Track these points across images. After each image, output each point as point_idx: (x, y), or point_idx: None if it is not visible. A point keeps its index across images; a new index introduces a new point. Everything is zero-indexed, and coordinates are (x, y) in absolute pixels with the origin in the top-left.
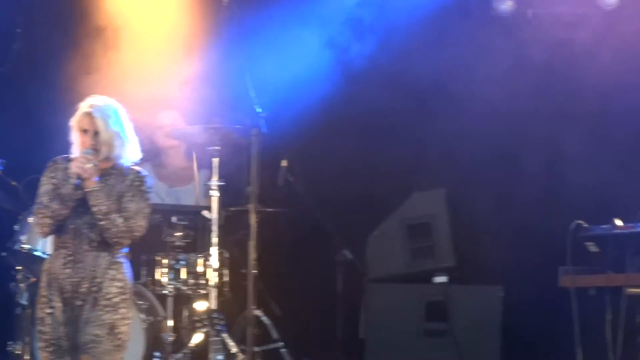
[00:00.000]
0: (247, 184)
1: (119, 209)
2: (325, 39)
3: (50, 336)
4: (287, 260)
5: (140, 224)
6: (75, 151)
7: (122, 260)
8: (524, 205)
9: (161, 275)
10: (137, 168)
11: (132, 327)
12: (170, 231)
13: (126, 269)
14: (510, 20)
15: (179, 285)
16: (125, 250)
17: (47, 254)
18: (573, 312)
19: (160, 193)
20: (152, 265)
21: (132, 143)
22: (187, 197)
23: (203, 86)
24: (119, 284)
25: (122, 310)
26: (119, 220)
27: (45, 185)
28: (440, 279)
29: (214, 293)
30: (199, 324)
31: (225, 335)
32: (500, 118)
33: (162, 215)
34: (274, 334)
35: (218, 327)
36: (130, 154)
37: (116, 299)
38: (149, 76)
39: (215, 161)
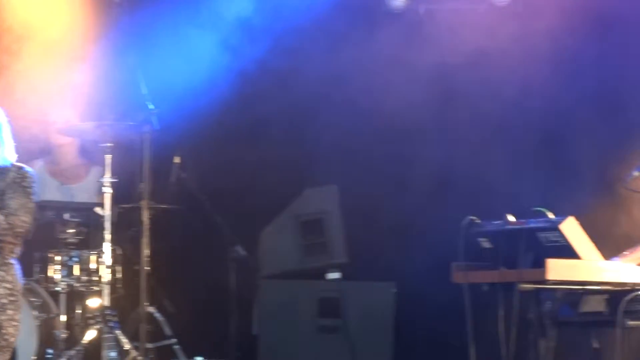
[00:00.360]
0: (139, 180)
1: (1, 207)
2: (218, 39)
3: None
4: (180, 256)
5: (23, 220)
6: None
7: (12, 261)
8: (416, 202)
9: (54, 272)
10: (19, 165)
11: (19, 329)
12: (63, 228)
13: (16, 271)
14: (403, 17)
15: (71, 282)
16: (17, 251)
17: None
18: (466, 308)
19: (52, 190)
20: (45, 262)
21: (8, 144)
22: (80, 194)
23: (95, 83)
24: (8, 285)
25: (10, 312)
26: (0, 218)
27: None
28: (333, 275)
29: (106, 290)
30: (92, 321)
31: (118, 332)
32: (393, 115)
33: (55, 212)
34: (167, 331)
35: (111, 324)
36: (7, 155)
37: (4, 300)
38: (42, 74)
39: (108, 158)
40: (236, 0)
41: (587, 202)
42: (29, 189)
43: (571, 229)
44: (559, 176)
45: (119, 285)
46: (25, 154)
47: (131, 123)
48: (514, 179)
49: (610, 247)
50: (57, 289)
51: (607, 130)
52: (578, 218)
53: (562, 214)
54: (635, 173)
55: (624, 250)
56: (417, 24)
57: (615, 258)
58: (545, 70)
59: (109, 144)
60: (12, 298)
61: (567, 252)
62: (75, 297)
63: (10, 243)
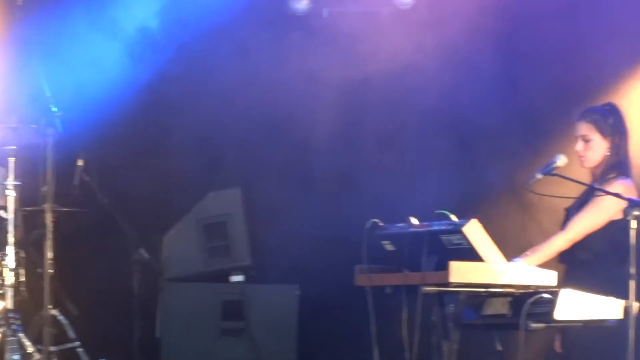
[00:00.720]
0: (43, 183)
1: None
2: (122, 46)
3: None
4: (83, 259)
5: None
6: None
7: None
8: (320, 205)
9: None
10: None
11: None
12: None
13: None
14: (307, 20)
15: None
16: None
17: None
18: (369, 310)
19: None
20: None
21: None
22: None
23: None
24: None
25: None
26: None
27: None
28: (237, 278)
29: (10, 293)
30: None
31: (21, 335)
32: (297, 119)
33: None
34: (71, 334)
35: (14, 327)
36: None
37: None
38: None
39: (11, 161)
40: (139, 8)
41: (490, 205)
42: None
43: (474, 232)
44: (462, 179)
45: (22, 288)
46: None
47: (34, 126)
48: (418, 182)
49: (513, 249)
50: None
51: (512, 134)
52: (481, 220)
53: (465, 217)
54: (538, 176)
55: (526, 251)
56: (321, 27)
57: (517, 259)
58: (449, 74)
59: (11, 147)
60: None
61: (470, 254)
62: None
63: None
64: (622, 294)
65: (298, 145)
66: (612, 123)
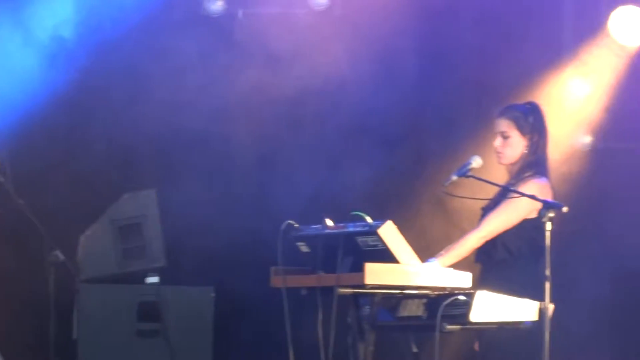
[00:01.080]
0: None
1: None
2: (37, 50)
3: None
4: None
5: None
6: None
7: None
8: (236, 206)
9: None
10: None
11: None
12: None
13: None
14: (222, 21)
15: None
16: None
17: None
18: (285, 312)
19: None
20: None
21: None
22: None
23: None
24: None
25: None
26: None
27: None
28: (152, 279)
29: None
30: None
31: None
32: (212, 118)
33: None
34: None
35: None
36: None
37: None
38: None
39: None
40: (53, 15)
41: (406, 206)
42: None
43: (389, 233)
44: (378, 180)
45: None
46: None
47: None
48: (333, 183)
49: (428, 250)
50: None
51: (426, 134)
52: (397, 222)
53: (380, 218)
54: (453, 177)
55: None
56: (236, 28)
57: (431, 259)
58: (367, 74)
59: None
60: None
61: (386, 256)
62: None
63: None
64: (538, 295)
65: (214, 147)
66: (532, 121)
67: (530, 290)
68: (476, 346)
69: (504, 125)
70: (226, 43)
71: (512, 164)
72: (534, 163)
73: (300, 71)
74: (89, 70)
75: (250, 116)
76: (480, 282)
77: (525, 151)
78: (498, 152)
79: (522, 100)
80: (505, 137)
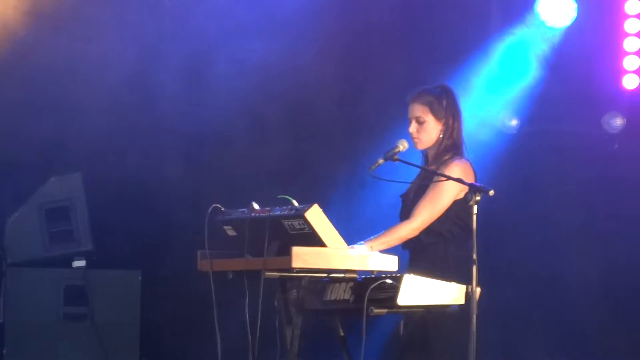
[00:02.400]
0: None
1: None
2: None
3: None
4: None
5: None
6: None
7: None
8: (163, 190)
9: None
10: None
11: None
12: None
13: None
14: (150, 5)
15: None
16: None
17: None
18: (212, 296)
19: None
20: None
21: None
22: None
23: None
24: None
25: None
26: None
27: None
28: (79, 263)
29: None
30: None
31: None
32: (137, 101)
33: None
34: None
35: None
36: None
37: None
38: None
39: None
40: None
41: (332, 190)
42: None
43: (316, 217)
44: (303, 164)
45: None
46: None
47: None
48: (259, 167)
49: (355, 234)
50: None
51: (353, 117)
52: (323, 206)
53: (307, 202)
54: (380, 160)
55: (369, 236)
56: (166, 10)
57: (360, 242)
58: (287, 65)
59: None
60: None
61: (313, 240)
62: None
63: None
64: (465, 278)
65: (140, 130)
66: (445, 105)
67: (457, 273)
68: (401, 328)
69: (419, 110)
70: (153, 23)
71: (429, 149)
72: (450, 146)
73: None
74: (13, 52)
75: (180, 97)
76: (410, 265)
77: (441, 135)
78: (414, 138)
79: (448, 80)
80: (420, 122)
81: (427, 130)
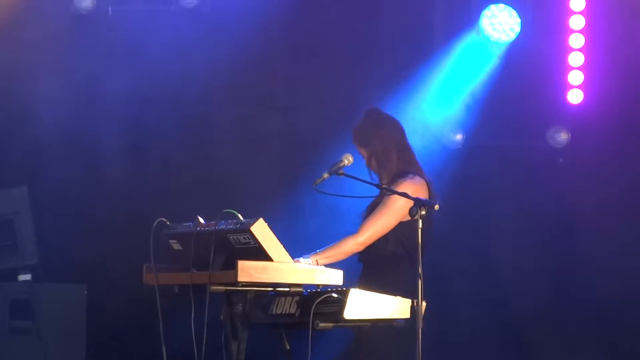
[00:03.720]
0: None
1: None
2: None
3: None
4: None
5: None
6: None
7: None
8: (109, 203)
9: None
10: None
11: None
12: None
13: None
14: (92, 18)
15: None
16: None
17: None
18: (158, 309)
19: None
20: None
21: None
22: None
23: None
24: None
25: None
26: None
27: None
28: (25, 277)
29: None
30: None
31: None
32: (82, 116)
33: None
34: None
35: None
36: None
37: None
38: None
39: None
40: None
41: (278, 204)
42: None
43: (261, 231)
44: (247, 177)
45: None
46: None
47: None
48: (203, 181)
49: (300, 249)
50: None
51: (299, 132)
52: (268, 220)
53: (252, 216)
54: (325, 175)
55: (314, 250)
56: (107, 25)
57: (305, 256)
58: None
59: None
60: None
61: (258, 253)
62: None
63: None
64: (411, 293)
65: (84, 143)
66: (367, 131)
67: (405, 289)
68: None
69: (359, 149)
70: (96, 40)
71: (386, 172)
72: (384, 165)
73: (171, 69)
74: None
75: (123, 113)
76: (361, 280)
77: (378, 158)
78: (373, 172)
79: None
80: (365, 157)
81: (372, 162)
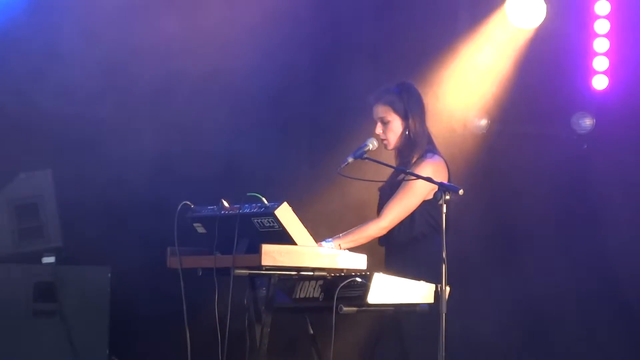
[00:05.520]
0: None
1: None
2: None
3: None
4: None
5: None
6: None
7: None
8: (133, 185)
9: None
10: None
11: None
12: None
13: None
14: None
15: None
16: None
17: None
18: (181, 292)
19: None
20: None
21: None
22: None
23: None
24: None
25: None
26: None
27: None
28: (48, 259)
29: None
30: None
31: None
32: (109, 98)
33: None
34: None
35: None
36: None
37: None
38: None
39: None
40: None
41: (302, 188)
42: None
43: (286, 214)
44: (274, 161)
45: None
46: None
47: None
48: (228, 165)
49: (324, 232)
50: None
51: (323, 114)
52: (293, 204)
53: (276, 200)
54: (349, 159)
55: (337, 234)
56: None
57: (328, 240)
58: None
59: None
60: None
61: (282, 237)
62: None
63: None
64: (435, 277)
65: (108, 126)
66: (407, 102)
67: (430, 271)
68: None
69: (381, 111)
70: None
71: (399, 147)
72: (419, 142)
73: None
74: None
75: (146, 95)
76: (385, 262)
77: (407, 132)
78: (382, 139)
79: (419, 83)
80: (384, 122)
81: (393, 130)
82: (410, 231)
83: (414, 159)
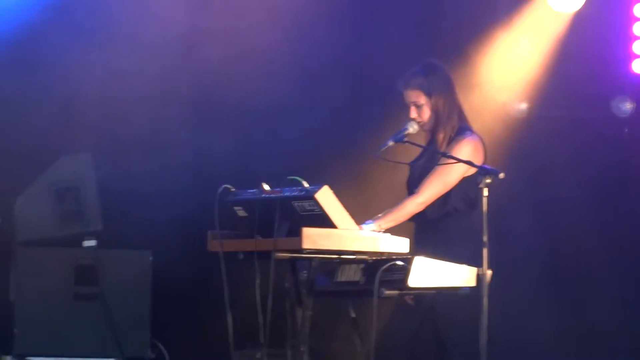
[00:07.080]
0: None
1: None
2: None
3: None
4: None
5: None
6: None
7: None
8: (174, 169)
9: None
10: None
11: None
12: None
13: None
14: None
15: None
16: None
17: None
18: (222, 276)
19: None
20: None
21: None
22: None
23: None
24: None
25: None
26: None
27: None
28: (90, 242)
29: None
30: None
31: None
32: (151, 83)
33: None
34: None
35: None
36: None
37: None
38: None
39: None
40: None
41: (343, 171)
42: None
43: (326, 198)
44: (312, 145)
45: None
46: None
47: None
48: (269, 148)
49: (364, 214)
50: None
51: (365, 97)
52: (333, 187)
53: (317, 183)
54: (390, 143)
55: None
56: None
57: (368, 222)
58: (304, 33)
59: None
60: None
61: (323, 221)
62: None
63: None
64: (468, 254)
65: (150, 113)
66: (436, 82)
67: (462, 247)
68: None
69: (413, 95)
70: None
71: (435, 129)
72: (451, 119)
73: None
74: (31, 28)
75: (186, 79)
76: (415, 239)
77: (441, 111)
78: (418, 122)
79: (459, 66)
80: (418, 106)
81: (427, 111)
82: (443, 207)
83: (448, 136)
